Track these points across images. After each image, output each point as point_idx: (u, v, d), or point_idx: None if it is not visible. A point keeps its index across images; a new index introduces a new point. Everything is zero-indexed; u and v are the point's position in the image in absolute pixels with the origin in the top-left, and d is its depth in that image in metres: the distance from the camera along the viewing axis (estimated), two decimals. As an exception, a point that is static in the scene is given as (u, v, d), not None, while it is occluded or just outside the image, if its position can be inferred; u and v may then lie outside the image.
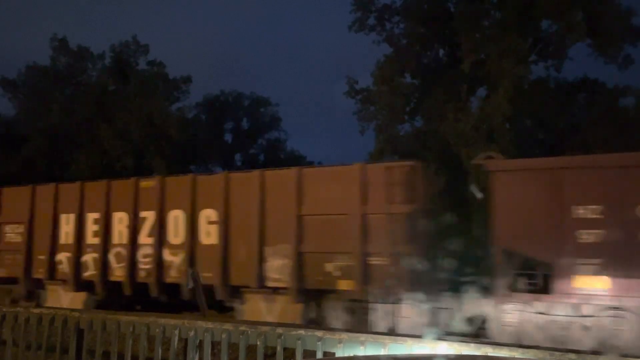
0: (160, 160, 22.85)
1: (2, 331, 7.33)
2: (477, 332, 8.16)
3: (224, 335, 5.60)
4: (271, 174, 9.79)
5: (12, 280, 11.95)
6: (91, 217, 11.22)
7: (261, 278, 9.33)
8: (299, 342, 5.21)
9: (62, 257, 11.39)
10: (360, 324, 8.47)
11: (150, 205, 10.54)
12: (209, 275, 9.72)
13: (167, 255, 10.30)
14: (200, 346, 5.74)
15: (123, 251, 10.76)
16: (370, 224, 8.60)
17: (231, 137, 32.52)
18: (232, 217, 9.78)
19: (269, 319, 9.04)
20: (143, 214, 10.65)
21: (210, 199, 10.02)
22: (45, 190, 11.93)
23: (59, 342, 6.72)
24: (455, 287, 8.41)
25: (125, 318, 6.55)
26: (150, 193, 10.62)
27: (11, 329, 7.16)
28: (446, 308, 8.40)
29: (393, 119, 18.83)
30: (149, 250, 10.48)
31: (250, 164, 29.09)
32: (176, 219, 10.29)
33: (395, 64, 18.59)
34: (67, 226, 11.42)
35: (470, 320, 8.23)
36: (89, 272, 11.08)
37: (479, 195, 8.23)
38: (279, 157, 31.27)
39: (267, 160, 30.39)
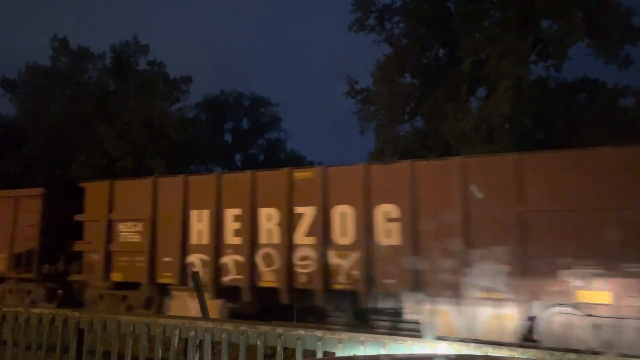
0: (160, 160, 22.85)
1: (2, 331, 7.34)
2: None
3: (224, 335, 5.61)
4: (476, 162, 8.31)
5: (127, 285, 10.71)
6: (230, 213, 9.78)
7: (465, 286, 7.75)
8: (299, 342, 5.21)
9: (195, 259, 10.03)
10: (610, 346, 6.79)
11: (309, 199, 9.13)
12: (391, 282, 8.37)
13: (333, 258, 8.86)
14: (200, 346, 5.74)
15: (274, 253, 9.36)
16: (634, 223, 6.92)
17: (231, 137, 32.55)
18: (421, 213, 8.30)
19: (475, 335, 7.63)
20: (299, 209, 9.23)
21: (389, 192, 8.56)
22: (171, 184, 10.54)
23: (60, 342, 6.72)
24: None
25: (125, 318, 6.55)
26: (308, 186, 9.21)
27: (11, 329, 7.17)
28: None
29: (393, 119, 18.85)
30: (308, 252, 9.07)
31: (250, 164, 29.12)
32: (343, 215, 8.88)
33: (395, 64, 18.62)
34: (199, 224, 10.06)
35: None
36: (231, 277, 9.68)
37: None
38: (279, 157, 31.30)
39: (267, 160, 30.42)
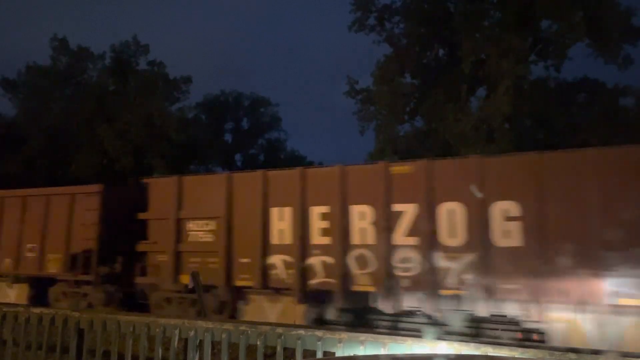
0: (160, 160, 22.87)
1: (2, 331, 7.34)
2: None
3: (224, 335, 5.61)
4: (613, 153, 7.43)
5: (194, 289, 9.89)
6: (317, 211, 9.06)
7: (602, 292, 7.02)
8: (299, 341, 5.21)
9: (276, 260, 9.30)
10: None
11: (410, 196, 8.36)
12: (511, 287, 7.54)
13: (440, 260, 8.06)
14: (200, 346, 5.74)
15: (369, 254, 8.59)
16: None
17: (231, 137, 32.57)
18: (547, 211, 7.45)
19: (612, 347, 6.87)
20: (398, 207, 8.43)
21: (508, 188, 7.79)
22: (248, 179, 9.84)
23: (60, 342, 6.72)
24: None
25: (125, 318, 6.55)
26: (409, 181, 8.43)
27: (11, 329, 7.17)
28: None
29: (393, 119, 18.84)
30: (410, 254, 8.29)
31: (250, 164, 29.14)
32: (451, 213, 8.09)
33: (395, 64, 18.61)
34: (280, 223, 9.35)
35: None
36: (319, 280, 8.92)
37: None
38: (279, 157, 31.31)
39: (267, 160, 30.42)
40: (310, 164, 26.44)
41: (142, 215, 10.55)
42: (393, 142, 18.61)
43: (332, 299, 8.83)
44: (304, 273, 9.01)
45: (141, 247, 10.47)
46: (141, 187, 10.90)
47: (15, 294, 11.78)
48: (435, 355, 3.51)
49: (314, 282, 8.96)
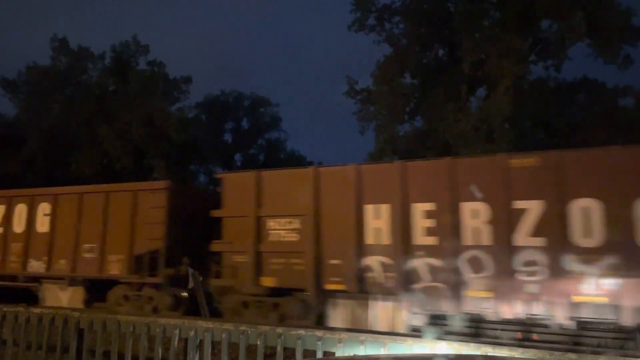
0: (160, 160, 22.85)
1: (2, 331, 7.34)
2: None
3: (224, 335, 5.61)
4: None
5: (279, 292, 9.30)
6: (420, 208, 8.38)
7: None
8: (299, 341, 5.21)
9: (373, 262, 8.60)
10: None
11: (534, 192, 7.64)
12: None
13: (572, 263, 7.30)
14: (200, 346, 5.75)
15: (484, 256, 7.88)
16: None
17: (231, 137, 32.51)
18: None
19: None
20: (519, 204, 7.69)
21: None
22: (338, 174, 9.13)
23: (60, 342, 6.72)
24: None
25: (125, 318, 6.55)
26: (531, 175, 7.72)
27: (11, 329, 7.17)
28: None
29: (393, 119, 18.83)
30: (535, 256, 7.54)
31: (250, 164, 29.14)
32: (586, 211, 7.31)
33: (395, 64, 18.61)
34: (376, 221, 8.67)
35: None
36: (423, 284, 8.21)
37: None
38: (279, 157, 31.28)
39: (267, 160, 30.40)
40: (310, 164, 26.41)
41: (216, 213, 9.87)
42: (393, 142, 18.60)
43: (439, 305, 8.12)
44: (407, 276, 8.29)
45: (215, 246, 9.78)
46: (213, 183, 10.41)
47: (68, 297, 11.08)
48: (435, 355, 3.52)
49: (417, 286, 8.23)
